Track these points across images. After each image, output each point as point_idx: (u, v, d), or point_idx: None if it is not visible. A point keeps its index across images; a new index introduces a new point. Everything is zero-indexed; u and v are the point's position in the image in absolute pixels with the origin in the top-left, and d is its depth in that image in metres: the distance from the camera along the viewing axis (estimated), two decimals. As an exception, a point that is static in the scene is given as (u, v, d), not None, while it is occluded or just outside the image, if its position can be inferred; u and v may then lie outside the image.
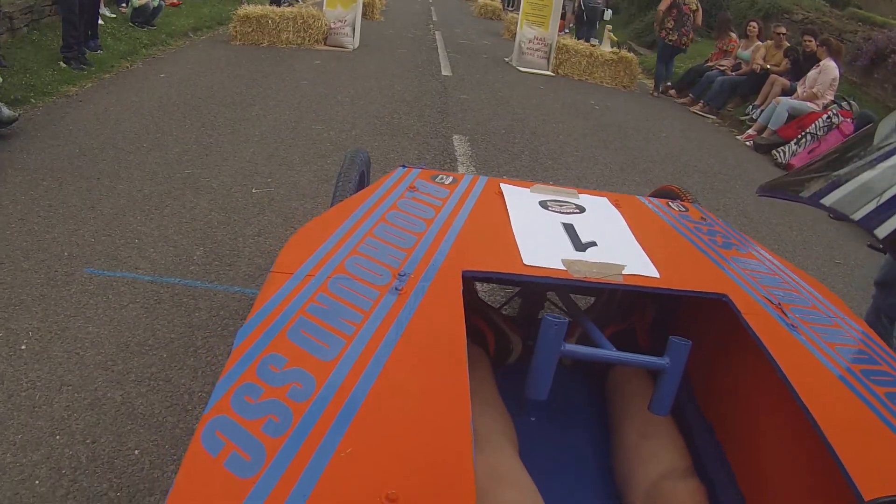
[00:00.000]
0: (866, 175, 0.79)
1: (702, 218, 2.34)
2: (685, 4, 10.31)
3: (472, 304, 2.05)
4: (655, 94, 11.08)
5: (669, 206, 2.41)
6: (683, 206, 2.43)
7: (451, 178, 2.29)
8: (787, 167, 7.90)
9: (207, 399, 1.14)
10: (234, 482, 0.99)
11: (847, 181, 0.81)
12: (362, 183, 2.72)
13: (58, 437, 2.35)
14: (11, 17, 7.22)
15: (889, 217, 0.76)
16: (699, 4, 10.54)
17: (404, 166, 2.41)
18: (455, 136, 6.37)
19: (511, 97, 8.70)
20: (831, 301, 1.87)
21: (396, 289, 1.48)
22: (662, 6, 10.58)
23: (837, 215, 0.78)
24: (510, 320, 2.29)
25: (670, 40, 10.50)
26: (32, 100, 5.89)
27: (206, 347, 2.90)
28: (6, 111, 4.91)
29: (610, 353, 1.59)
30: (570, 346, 1.50)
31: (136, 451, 2.33)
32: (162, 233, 3.85)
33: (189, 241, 3.80)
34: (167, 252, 3.64)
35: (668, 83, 11.16)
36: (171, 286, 3.33)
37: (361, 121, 6.49)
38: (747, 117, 9.50)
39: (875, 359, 1.61)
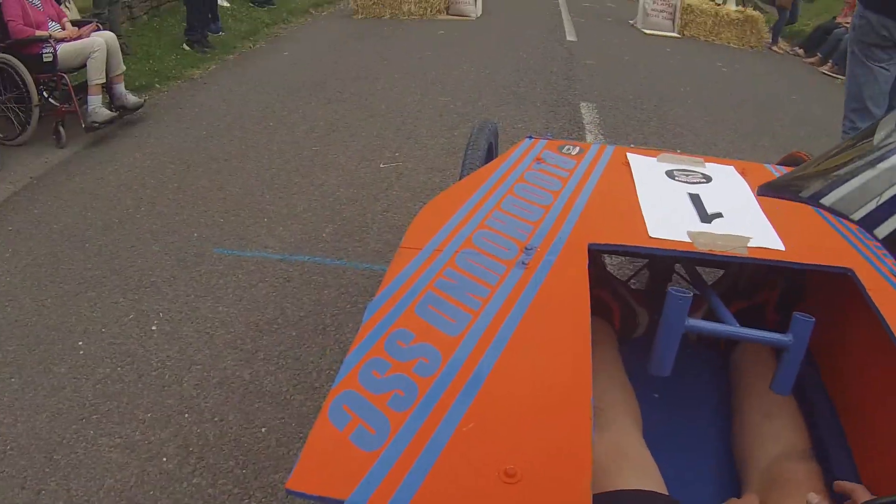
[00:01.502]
0: (866, 175, 0.78)
1: None
2: None
3: (599, 277, 2.02)
4: (773, 47, 10.42)
5: None
6: None
7: (577, 149, 2.27)
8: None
9: (335, 376, 1.16)
10: (359, 455, 1.01)
11: (847, 181, 0.80)
12: (491, 154, 2.72)
13: (186, 415, 2.38)
14: (131, 6, 7.52)
15: (889, 217, 0.74)
16: None
17: (531, 137, 2.41)
18: (582, 104, 6.12)
19: (637, 61, 8.25)
20: None
21: (523, 263, 1.50)
22: None
23: (838, 215, 0.79)
24: (637, 293, 2.22)
25: None
26: (157, 85, 6.07)
27: (335, 325, 2.87)
28: (132, 98, 5.06)
29: (733, 328, 1.54)
30: (694, 321, 1.46)
31: (263, 429, 2.33)
32: (290, 211, 3.86)
33: (318, 218, 3.78)
34: (296, 230, 3.64)
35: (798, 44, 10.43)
36: (301, 264, 3.33)
37: (487, 90, 6.34)
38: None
39: None
